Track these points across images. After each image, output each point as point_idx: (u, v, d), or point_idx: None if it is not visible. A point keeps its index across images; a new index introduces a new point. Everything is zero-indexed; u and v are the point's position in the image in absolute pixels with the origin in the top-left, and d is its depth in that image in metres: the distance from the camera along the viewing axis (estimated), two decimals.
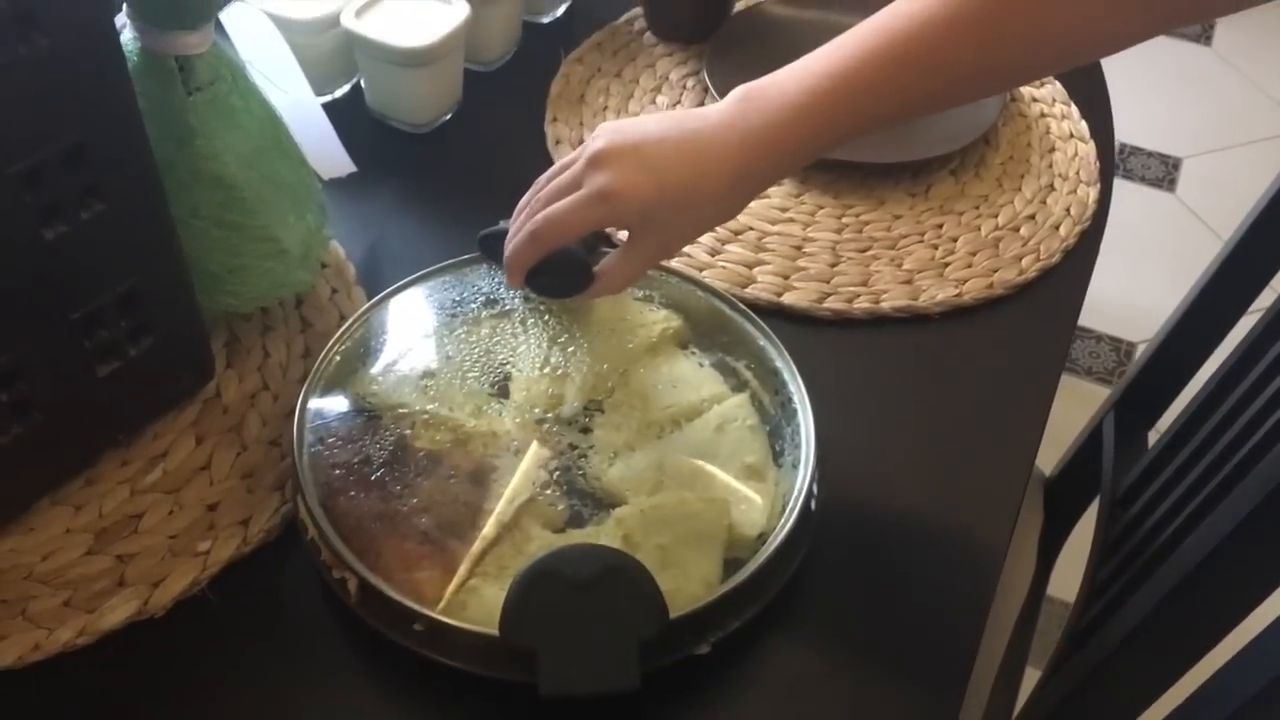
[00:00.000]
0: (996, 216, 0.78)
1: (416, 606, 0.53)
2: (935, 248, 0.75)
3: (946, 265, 0.74)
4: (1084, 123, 0.85)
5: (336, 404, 0.60)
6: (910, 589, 0.60)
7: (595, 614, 0.51)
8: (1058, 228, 0.77)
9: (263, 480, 0.60)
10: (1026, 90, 0.87)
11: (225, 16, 0.68)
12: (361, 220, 0.76)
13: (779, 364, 0.63)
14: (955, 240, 0.76)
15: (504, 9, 0.84)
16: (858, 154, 0.79)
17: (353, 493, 0.56)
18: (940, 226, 0.77)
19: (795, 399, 0.62)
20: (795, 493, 0.58)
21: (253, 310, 0.68)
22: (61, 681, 0.54)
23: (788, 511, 0.57)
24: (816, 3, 0.91)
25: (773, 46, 0.86)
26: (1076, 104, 0.87)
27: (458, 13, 0.79)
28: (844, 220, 0.77)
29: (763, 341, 0.64)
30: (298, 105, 0.71)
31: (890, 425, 0.67)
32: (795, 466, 0.59)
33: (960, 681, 0.56)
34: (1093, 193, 0.79)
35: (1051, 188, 0.80)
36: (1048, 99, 0.87)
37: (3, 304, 0.51)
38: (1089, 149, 0.83)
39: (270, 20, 0.71)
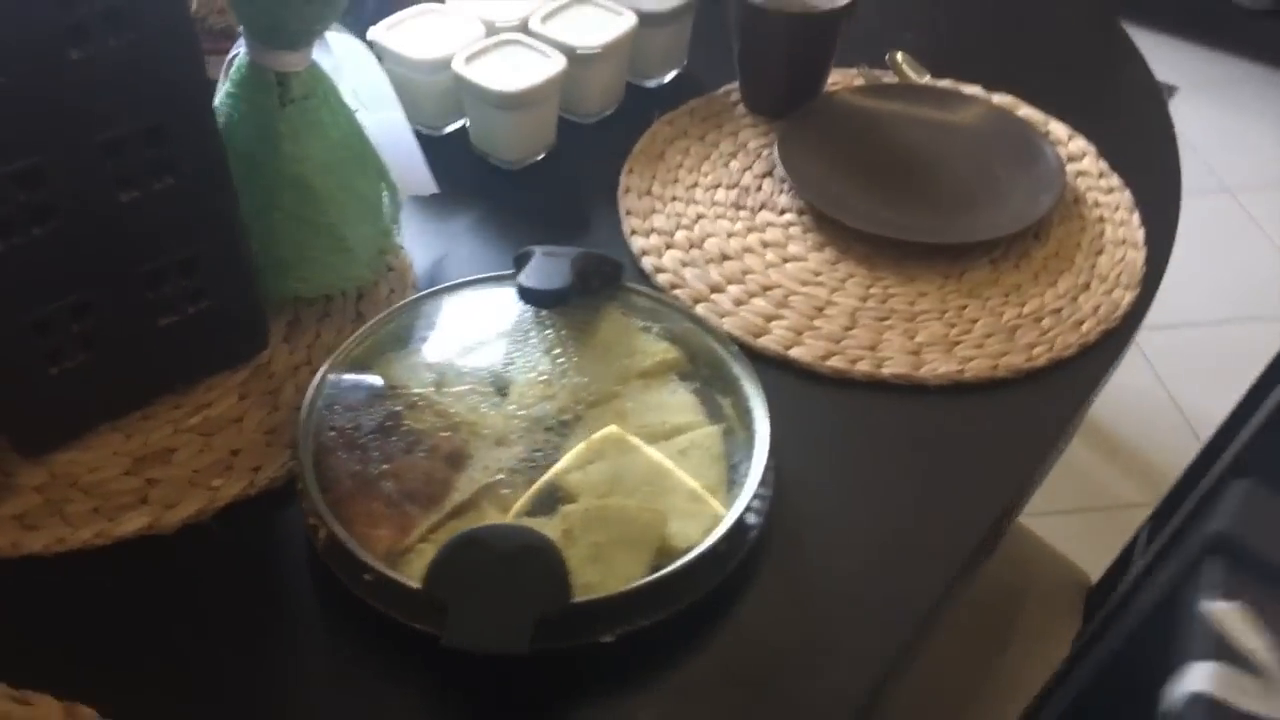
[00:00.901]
0: (1023, 306, 0.80)
1: (367, 559, 0.60)
2: (951, 326, 0.78)
3: (957, 344, 0.77)
4: (1142, 230, 0.86)
5: (353, 378, 0.69)
6: (829, 628, 0.63)
7: (505, 583, 0.57)
8: (1081, 324, 0.78)
9: (281, 438, 0.69)
10: (1093, 194, 0.89)
11: (332, 41, 0.79)
12: (436, 236, 0.86)
13: (754, 403, 0.68)
14: (974, 322, 0.78)
15: (602, 71, 0.93)
16: (901, 231, 0.83)
17: (340, 453, 0.64)
18: (964, 308, 0.79)
19: (758, 435, 0.66)
20: (729, 516, 0.62)
21: (316, 297, 0.78)
22: (77, 574, 0.64)
23: (715, 531, 0.61)
24: (893, 95, 0.95)
25: (843, 132, 0.92)
26: (1142, 209, 0.88)
27: (554, 67, 0.88)
28: (871, 290, 0.81)
29: (745, 382, 0.69)
30: (389, 127, 0.81)
31: (859, 481, 0.70)
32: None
33: None
34: (1129, 296, 0.80)
35: (1087, 287, 0.81)
36: (1112, 205, 0.88)
37: (81, 249, 0.62)
38: (1139, 255, 0.83)
39: (370, 51, 0.82)
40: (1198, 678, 0.47)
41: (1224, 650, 0.47)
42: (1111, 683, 0.61)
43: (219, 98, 0.73)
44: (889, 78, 1.00)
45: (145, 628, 0.62)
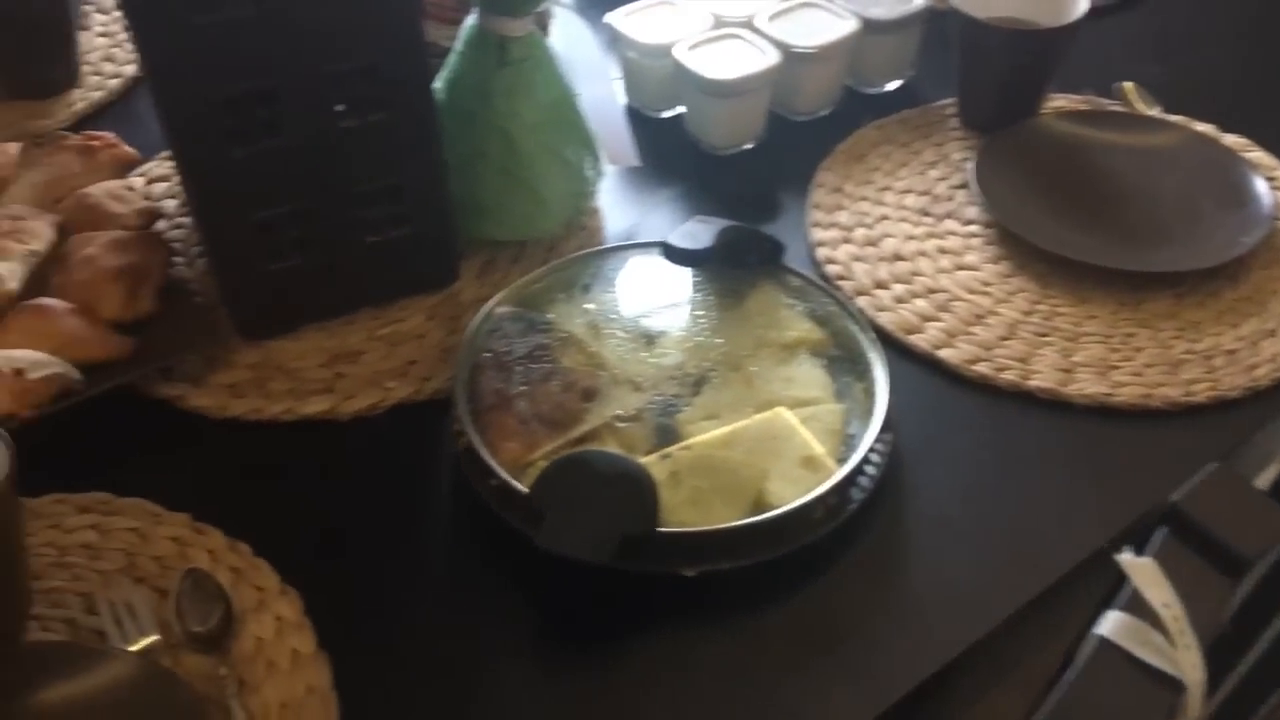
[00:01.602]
0: (1196, 342, 0.77)
1: (494, 465, 0.67)
2: (1114, 350, 0.77)
3: (1114, 368, 0.76)
4: None
5: (518, 311, 0.76)
6: (909, 609, 0.64)
7: (600, 502, 0.62)
8: (1254, 368, 0.75)
9: (452, 356, 0.77)
10: None
11: (561, 19, 0.87)
12: (634, 205, 0.92)
13: (879, 384, 0.70)
14: (1138, 350, 0.77)
15: (817, 72, 0.97)
16: (1083, 253, 0.82)
17: (490, 372, 0.72)
18: (1131, 335, 0.78)
19: (875, 412, 0.69)
20: (823, 488, 0.65)
21: (511, 241, 0.86)
22: (263, 440, 0.74)
23: (812, 492, 0.64)
24: (1108, 123, 0.94)
25: (1046, 152, 0.91)
26: None
27: (766, 61, 0.92)
28: (1038, 306, 0.81)
29: (876, 366, 0.71)
30: (601, 99, 0.88)
31: (977, 483, 0.71)
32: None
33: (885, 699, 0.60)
34: None
35: (1272, 334, 0.77)
36: None
37: (303, 164, 0.72)
38: None
39: (589, 29, 0.89)
40: (1108, 624, 0.46)
41: (1136, 603, 0.46)
42: None
43: (451, 57, 0.82)
44: (1117, 107, 0.98)
45: (307, 493, 0.71)
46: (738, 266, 0.76)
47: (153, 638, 0.61)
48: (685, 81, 0.95)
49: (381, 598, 0.66)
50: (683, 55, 0.94)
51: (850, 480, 0.66)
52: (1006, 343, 0.78)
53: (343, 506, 0.71)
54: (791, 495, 0.65)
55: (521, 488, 0.65)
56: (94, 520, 0.68)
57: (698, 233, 0.72)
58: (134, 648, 0.60)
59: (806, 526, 0.65)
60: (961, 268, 0.84)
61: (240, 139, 0.70)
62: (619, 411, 0.69)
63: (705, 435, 0.68)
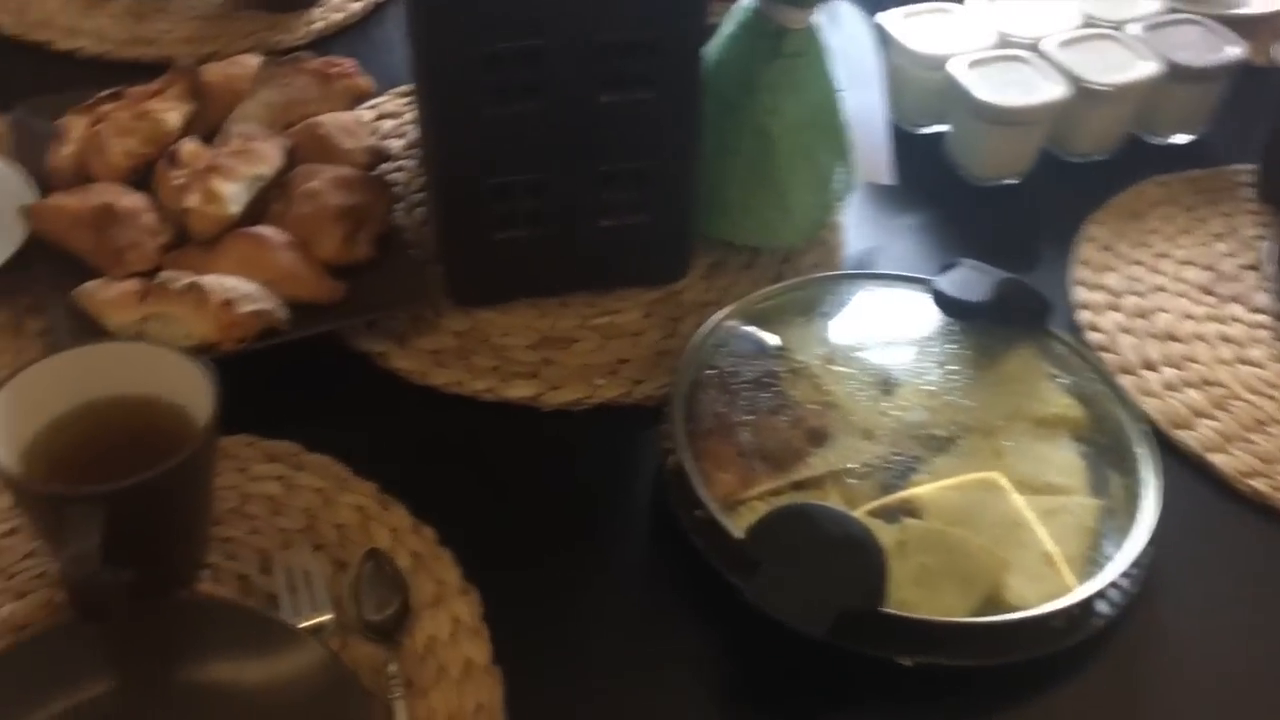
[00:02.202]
0: None
1: (704, 495, 0.61)
2: None
3: None
4: None
5: (748, 329, 0.70)
6: None
7: (823, 566, 0.56)
8: None
9: (667, 362, 0.71)
10: None
11: (841, 15, 0.80)
12: (878, 226, 0.85)
13: (1147, 490, 0.62)
14: None
15: (1105, 112, 0.87)
16: None
17: (712, 391, 0.66)
18: None
19: (1139, 524, 0.60)
20: (1069, 599, 0.57)
21: (744, 246, 0.80)
22: (458, 415, 0.70)
23: (1056, 602, 0.57)
24: None
25: None
26: None
27: (1052, 93, 0.84)
28: None
29: (1145, 467, 0.63)
30: (866, 107, 0.81)
31: (1241, 617, 0.62)
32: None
33: None
34: None
35: None
36: None
37: (553, 133, 0.67)
38: None
39: (876, 32, 0.81)
40: None
41: None
42: None
43: (718, 39, 0.76)
44: None
45: (497, 483, 0.67)
46: (1000, 323, 0.68)
47: (326, 616, 0.57)
48: (956, 100, 0.87)
49: (562, 612, 0.61)
50: (959, 71, 0.86)
51: (1099, 594, 0.58)
52: None
53: (532, 503, 0.66)
54: (1032, 596, 0.58)
55: (731, 527, 0.59)
56: (281, 472, 0.64)
57: (972, 282, 0.64)
58: (305, 623, 0.56)
59: (1042, 635, 0.57)
60: (1244, 361, 0.75)
61: (496, 98, 0.65)
62: (850, 465, 0.62)
63: (939, 506, 0.61)
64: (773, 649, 0.59)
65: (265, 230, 0.72)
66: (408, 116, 0.89)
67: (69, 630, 0.55)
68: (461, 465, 0.68)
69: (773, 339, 0.69)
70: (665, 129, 0.69)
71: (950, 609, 0.57)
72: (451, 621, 0.58)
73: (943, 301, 0.66)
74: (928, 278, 0.71)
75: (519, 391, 0.70)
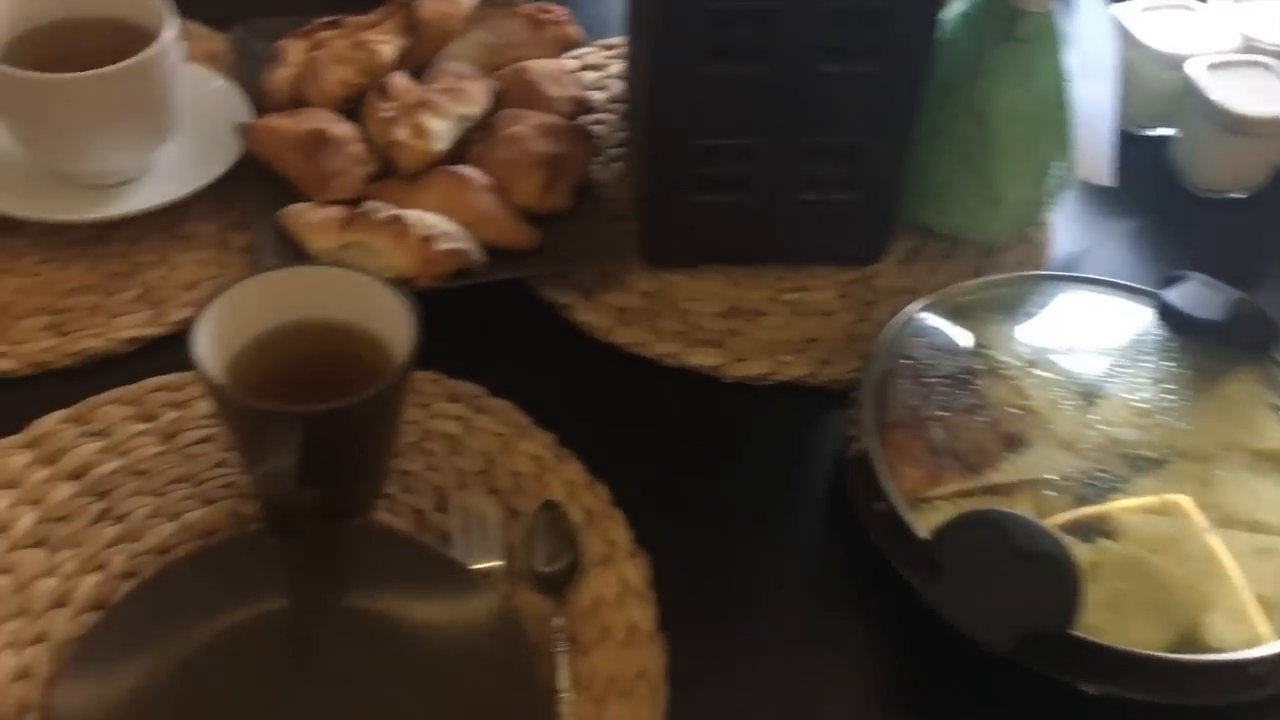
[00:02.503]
0: None
1: (889, 488, 0.59)
2: None
3: None
4: None
5: (946, 323, 0.67)
6: None
7: (1013, 579, 0.53)
8: None
9: (857, 346, 0.69)
10: None
11: (1083, 3, 0.76)
12: (1088, 228, 0.81)
13: None
14: None
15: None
16: None
17: (906, 382, 0.63)
18: None
19: None
20: (1274, 646, 0.53)
21: (946, 234, 0.77)
22: (639, 376, 0.69)
23: (1257, 649, 0.53)
24: None
25: None
26: None
27: None
28: None
29: None
30: (1094, 103, 0.76)
31: None
32: None
33: None
34: None
35: None
36: None
37: (769, 101, 0.65)
38: None
39: (1114, 24, 0.77)
40: None
41: None
42: None
43: (948, 16, 0.72)
44: None
45: (674, 449, 0.66)
46: (1225, 344, 0.64)
47: (497, 561, 0.57)
48: (1191, 104, 0.82)
49: (728, 589, 0.60)
50: (1197, 73, 0.81)
51: None
52: None
53: (706, 475, 0.65)
54: (1233, 638, 0.54)
55: (914, 524, 0.57)
56: (462, 412, 0.65)
57: (1205, 299, 0.60)
58: (476, 566, 0.56)
59: (1241, 680, 0.54)
60: None
61: (717, 57, 0.63)
62: (1048, 475, 0.59)
63: (1135, 529, 0.58)
64: (944, 655, 0.57)
65: (467, 170, 0.73)
66: (612, 69, 0.88)
67: (252, 542, 0.56)
68: (638, 427, 0.67)
69: (970, 336, 0.66)
70: (884, 106, 0.66)
71: (1141, 640, 0.54)
72: (619, 583, 0.57)
73: (1169, 315, 0.62)
74: (1147, 288, 0.67)
75: (702, 360, 0.68)
